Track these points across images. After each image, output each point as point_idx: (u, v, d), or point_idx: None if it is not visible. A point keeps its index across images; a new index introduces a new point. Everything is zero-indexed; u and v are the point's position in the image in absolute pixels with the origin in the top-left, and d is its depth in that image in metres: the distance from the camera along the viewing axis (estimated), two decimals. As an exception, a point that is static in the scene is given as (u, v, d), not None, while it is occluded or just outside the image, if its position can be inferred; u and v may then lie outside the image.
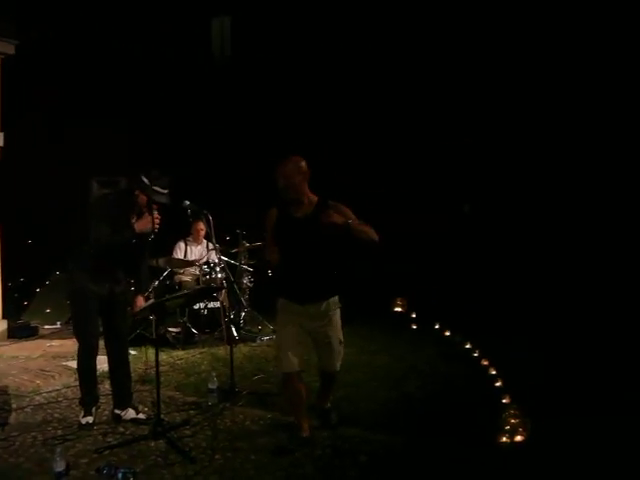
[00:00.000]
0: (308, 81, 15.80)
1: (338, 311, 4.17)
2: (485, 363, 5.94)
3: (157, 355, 4.36)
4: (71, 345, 6.21)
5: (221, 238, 8.23)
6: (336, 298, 4.15)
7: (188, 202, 5.55)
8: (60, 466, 3.47)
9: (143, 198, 4.28)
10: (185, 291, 7.09)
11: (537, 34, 12.39)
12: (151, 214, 4.24)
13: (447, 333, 7.45)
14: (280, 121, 15.94)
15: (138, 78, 15.78)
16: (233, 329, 7.23)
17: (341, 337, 4.17)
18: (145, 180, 4.22)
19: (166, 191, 4.28)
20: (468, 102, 13.97)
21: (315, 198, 4.06)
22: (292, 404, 4.17)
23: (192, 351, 6.87)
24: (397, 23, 14.16)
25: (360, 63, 15.02)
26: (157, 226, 4.28)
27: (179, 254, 7.91)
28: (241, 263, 8.07)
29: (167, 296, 5.69)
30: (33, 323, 7.91)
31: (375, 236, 3.89)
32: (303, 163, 3.98)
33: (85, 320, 4.40)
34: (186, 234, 8.08)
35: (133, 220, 4.30)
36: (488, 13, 12.85)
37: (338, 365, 4.24)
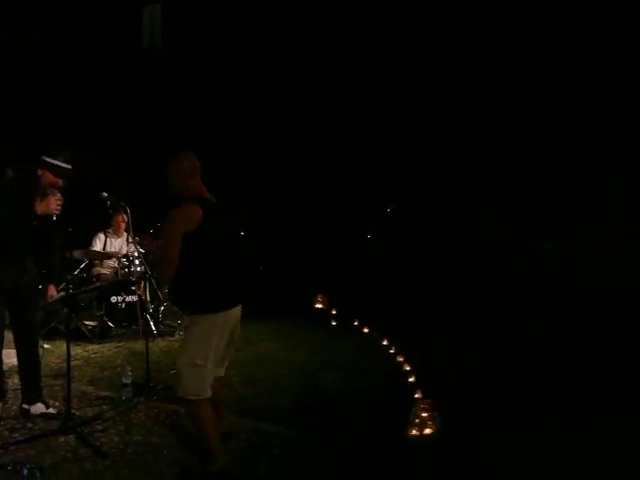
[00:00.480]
0: (239, 72, 15.70)
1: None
2: (400, 359, 6.11)
3: (68, 348, 4.29)
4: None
5: (144, 231, 8.11)
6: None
7: (106, 194, 5.46)
8: (-38, 462, 3.37)
9: (48, 177, 4.14)
10: (98, 284, 6.96)
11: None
12: (53, 194, 4.10)
13: (366, 330, 7.60)
14: (209, 113, 15.78)
15: (64, 67, 15.29)
16: (151, 323, 7.15)
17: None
18: (46, 158, 4.12)
19: (69, 165, 4.17)
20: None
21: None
22: (207, 430, 3.53)
23: (108, 345, 6.74)
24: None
25: (300, 50, 14.99)
26: (58, 207, 4.10)
27: (98, 246, 7.74)
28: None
29: (82, 289, 5.57)
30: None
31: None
32: (185, 163, 3.63)
33: None
34: (106, 226, 7.91)
35: (36, 203, 4.15)
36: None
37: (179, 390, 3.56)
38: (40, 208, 4.08)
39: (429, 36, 13.64)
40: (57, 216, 4.15)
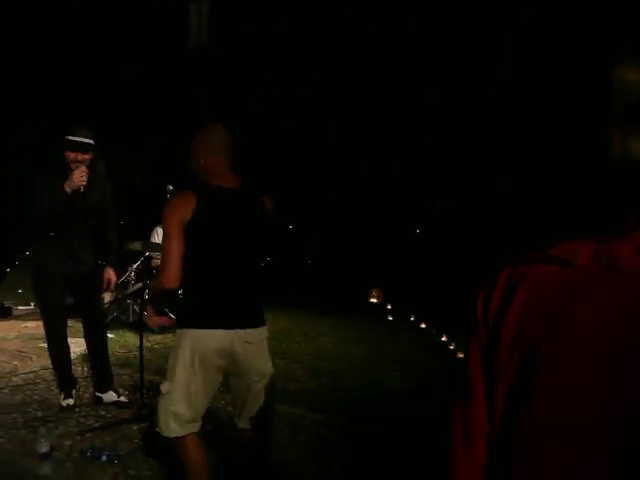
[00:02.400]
0: (287, 72, 15.77)
1: None
2: (461, 355, 6.05)
3: (141, 339, 4.36)
4: (47, 327, 6.15)
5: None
6: None
7: (171, 187, 5.53)
8: (44, 447, 3.45)
9: (69, 155, 4.17)
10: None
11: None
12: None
13: (423, 325, 7.55)
14: (258, 112, 15.89)
15: (110, 66, 15.59)
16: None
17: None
18: (68, 137, 4.17)
19: (89, 140, 4.21)
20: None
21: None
22: (195, 473, 2.79)
23: (170, 336, 6.83)
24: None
25: (343, 54, 15.01)
26: (82, 180, 4.11)
27: (157, 239, 7.84)
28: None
29: (149, 282, 5.64)
30: (6, 304, 7.80)
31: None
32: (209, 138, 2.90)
33: (45, 301, 4.35)
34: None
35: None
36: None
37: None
38: (66, 186, 4.10)
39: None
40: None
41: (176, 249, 2.62)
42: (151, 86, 16.93)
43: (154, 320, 3.30)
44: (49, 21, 14.45)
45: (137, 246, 7.27)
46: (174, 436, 2.74)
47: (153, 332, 6.92)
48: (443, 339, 6.79)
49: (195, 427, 2.78)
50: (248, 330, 2.72)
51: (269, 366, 2.84)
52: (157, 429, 2.84)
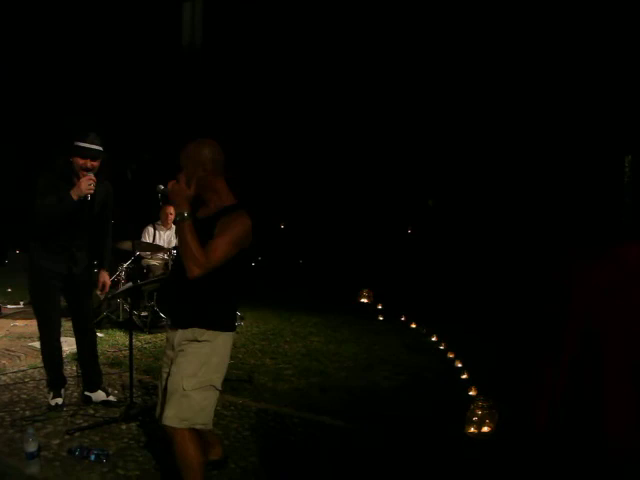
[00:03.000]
0: (279, 73, 15.77)
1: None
2: (451, 355, 6.07)
3: (131, 338, 4.35)
4: (36, 325, 6.10)
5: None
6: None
7: (162, 187, 5.49)
8: (32, 447, 3.42)
9: (77, 161, 4.14)
10: (163, 275, 7.04)
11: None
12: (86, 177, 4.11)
13: (413, 325, 7.56)
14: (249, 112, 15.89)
15: (102, 64, 15.54)
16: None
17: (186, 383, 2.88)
18: (74, 143, 4.13)
19: (99, 147, 4.18)
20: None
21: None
22: (193, 467, 2.87)
23: (160, 335, 6.84)
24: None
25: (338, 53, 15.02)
26: (90, 188, 4.07)
27: (148, 238, 7.83)
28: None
29: (146, 280, 5.64)
30: (-5, 303, 7.78)
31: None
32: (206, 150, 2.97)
33: (42, 300, 4.31)
34: (155, 219, 8.00)
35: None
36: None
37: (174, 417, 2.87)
38: (74, 193, 4.08)
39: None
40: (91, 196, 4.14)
41: (224, 258, 2.79)
42: (144, 84, 16.86)
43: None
44: (38, 13, 14.35)
45: (127, 245, 7.25)
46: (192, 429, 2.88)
47: (143, 332, 6.93)
48: (433, 339, 6.81)
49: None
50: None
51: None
52: (177, 424, 2.83)
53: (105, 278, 4.60)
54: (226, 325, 2.97)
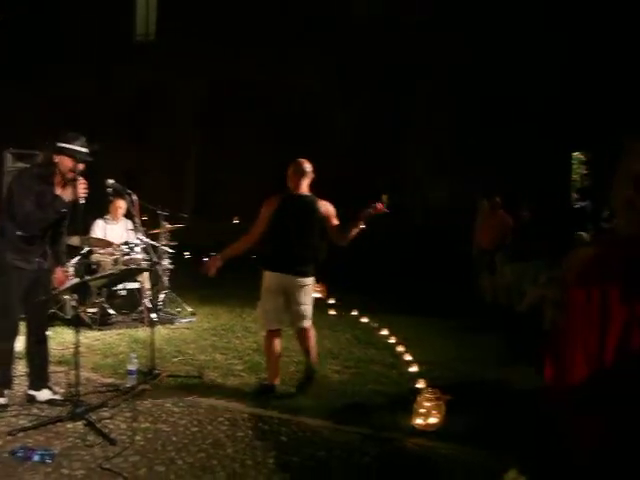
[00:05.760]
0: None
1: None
2: (401, 349, 6.16)
3: (78, 335, 4.27)
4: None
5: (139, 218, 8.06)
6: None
7: (112, 181, 5.41)
8: (-28, 448, 3.37)
9: (67, 162, 4.13)
10: (111, 271, 6.92)
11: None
12: (76, 180, 4.10)
13: (365, 319, 7.64)
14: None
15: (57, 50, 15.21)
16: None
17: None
18: (63, 144, 4.11)
19: (87, 150, 4.18)
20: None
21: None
22: (269, 356, 4.89)
23: (109, 332, 6.74)
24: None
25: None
26: (84, 192, 4.10)
27: (98, 233, 7.69)
28: (161, 244, 7.94)
29: (88, 276, 5.54)
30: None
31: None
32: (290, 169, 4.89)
33: (10, 299, 4.24)
34: (104, 212, 7.86)
35: (58, 191, 4.17)
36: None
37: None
38: (67, 195, 4.09)
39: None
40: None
41: (259, 226, 4.77)
42: (96, 79, 16.54)
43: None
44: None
45: (75, 241, 7.11)
46: (268, 329, 4.86)
47: (91, 329, 6.82)
48: (384, 332, 6.89)
49: (278, 326, 4.87)
50: (291, 277, 4.74)
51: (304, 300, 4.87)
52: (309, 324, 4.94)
53: (60, 276, 4.58)
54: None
